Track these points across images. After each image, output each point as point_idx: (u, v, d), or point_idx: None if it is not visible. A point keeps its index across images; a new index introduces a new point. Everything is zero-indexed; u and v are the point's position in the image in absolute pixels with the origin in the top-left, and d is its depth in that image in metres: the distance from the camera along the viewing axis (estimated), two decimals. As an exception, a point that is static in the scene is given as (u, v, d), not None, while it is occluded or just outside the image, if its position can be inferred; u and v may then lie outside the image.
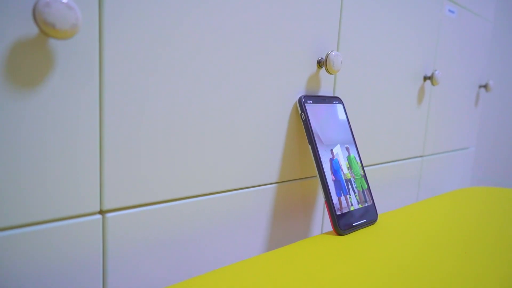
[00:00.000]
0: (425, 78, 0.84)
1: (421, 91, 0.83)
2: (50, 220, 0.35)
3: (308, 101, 0.55)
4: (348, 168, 0.57)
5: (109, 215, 0.38)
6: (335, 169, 0.55)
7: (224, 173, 0.48)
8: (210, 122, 0.46)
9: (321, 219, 0.65)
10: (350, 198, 0.55)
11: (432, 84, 0.83)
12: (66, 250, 0.36)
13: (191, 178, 0.45)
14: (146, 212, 0.41)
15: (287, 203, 0.57)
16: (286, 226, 0.58)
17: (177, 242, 0.45)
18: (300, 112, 0.55)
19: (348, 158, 0.58)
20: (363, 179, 0.59)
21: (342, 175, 0.55)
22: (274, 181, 0.55)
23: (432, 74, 0.83)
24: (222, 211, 0.49)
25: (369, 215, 0.58)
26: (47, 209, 0.34)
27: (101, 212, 0.39)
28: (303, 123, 0.54)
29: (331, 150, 0.56)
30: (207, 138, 0.46)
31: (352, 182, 0.57)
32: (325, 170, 0.53)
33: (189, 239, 0.46)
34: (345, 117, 0.61)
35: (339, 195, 0.53)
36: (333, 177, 0.54)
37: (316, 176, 0.58)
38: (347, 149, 0.59)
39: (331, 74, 0.57)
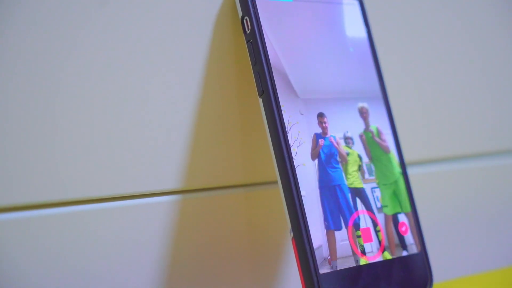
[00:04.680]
0: None
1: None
2: None
3: (264, -11, 0.36)
4: (360, 161, 0.37)
5: None
6: (327, 163, 0.34)
7: (52, 174, 0.34)
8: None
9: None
10: (358, 235, 0.34)
11: None
12: None
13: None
14: None
15: (211, 240, 0.40)
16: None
17: None
18: (241, 15, 0.34)
19: (366, 137, 0.37)
20: (401, 186, 0.37)
21: (344, 179, 0.35)
22: (178, 188, 0.39)
23: None
24: (48, 244, 0.35)
25: (408, 281, 0.36)
26: None
27: None
28: (248, 43, 0.34)
29: (320, 115, 0.35)
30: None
31: (368, 195, 0.35)
32: (296, 163, 0.33)
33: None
34: (363, 33, 0.39)
35: (331, 227, 0.33)
36: (319, 182, 0.33)
37: (276, 181, 0.36)
38: (363, 112, 0.37)
39: None
